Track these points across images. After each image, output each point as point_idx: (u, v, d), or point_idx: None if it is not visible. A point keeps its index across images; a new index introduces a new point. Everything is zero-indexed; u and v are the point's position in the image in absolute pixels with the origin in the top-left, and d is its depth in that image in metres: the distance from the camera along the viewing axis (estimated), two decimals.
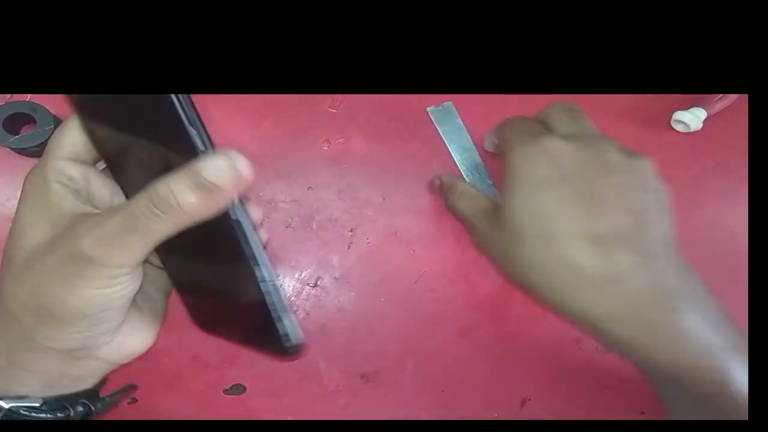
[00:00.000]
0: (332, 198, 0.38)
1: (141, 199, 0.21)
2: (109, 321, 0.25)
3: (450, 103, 0.39)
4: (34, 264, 0.22)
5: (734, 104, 0.40)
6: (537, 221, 0.27)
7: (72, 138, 0.25)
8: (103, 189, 0.26)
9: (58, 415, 0.26)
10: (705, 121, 0.39)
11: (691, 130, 0.40)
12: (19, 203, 0.24)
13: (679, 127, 0.40)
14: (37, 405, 0.25)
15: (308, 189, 0.38)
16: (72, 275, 0.22)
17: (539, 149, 0.28)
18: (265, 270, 0.23)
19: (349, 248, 0.37)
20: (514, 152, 0.29)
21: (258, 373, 0.36)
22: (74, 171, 0.25)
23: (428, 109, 0.39)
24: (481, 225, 0.32)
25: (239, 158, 0.21)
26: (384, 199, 0.38)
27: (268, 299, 0.23)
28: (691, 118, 0.39)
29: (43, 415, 0.25)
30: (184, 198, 0.20)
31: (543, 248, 0.27)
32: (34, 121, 0.34)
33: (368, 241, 0.37)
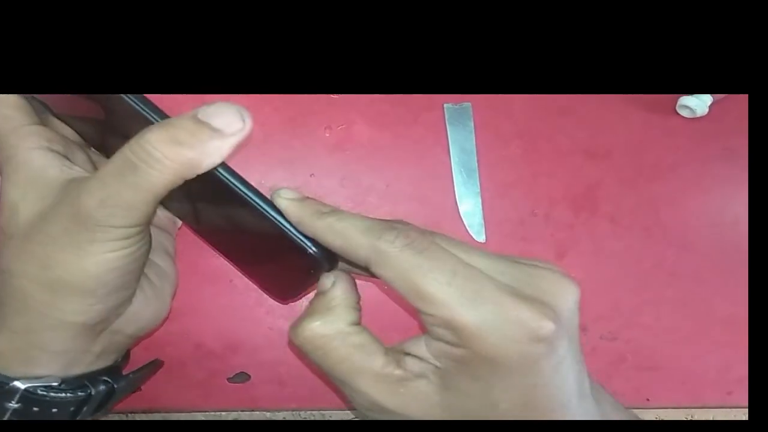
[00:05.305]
0: (335, 185, 0.37)
1: (129, 149, 0.20)
2: (127, 288, 0.24)
3: (469, 104, 0.39)
4: (36, 236, 0.22)
5: None
6: (522, 413, 0.21)
7: (19, 103, 0.23)
8: (79, 152, 0.25)
9: (79, 393, 0.25)
10: (711, 106, 0.39)
11: (697, 116, 0.39)
12: (2, 181, 0.23)
13: (684, 113, 0.40)
14: (55, 384, 0.24)
15: (310, 176, 0.37)
16: (83, 241, 0.21)
17: (537, 333, 0.20)
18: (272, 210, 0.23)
19: None
20: (488, 337, 0.20)
21: (262, 361, 0.35)
22: (48, 133, 0.23)
23: (445, 105, 0.39)
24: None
25: (239, 106, 0.20)
26: (387, 186, 0.37)
27: (288, 232, 0.23)
28: (697, 103, 0.39)
29: (62, 395, 0.24)
30: (181, 143, 0.20)
31: None
32: None
33: None
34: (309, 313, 0.23)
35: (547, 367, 0.20)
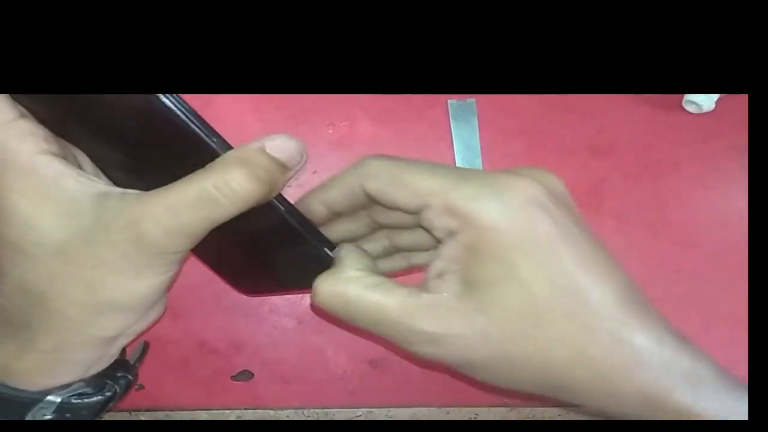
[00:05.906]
0: None
1: (211, 183, 0.20)
2: (162, 300, 0.25)
3: (473, 100, 0.38)
4: (80, 259, 0.20)
5: None
6: (564, 296, 0.20)
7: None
8: (68, 148, 0.23)
9: (107, 393, 0.25)
10: (717, 102, 0.39)
11: (704, 111, 0.39)
12: None
13: (691, 108, 0.40)
14: (84, 391, 0.24)
15: (313, 173, 0.37)
16: (142, 266, 0.21)
17: (531, 193, 0.20)
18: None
19: None
20: (485, 204, 0.20)
21: (265, 359, 0.35)
22: (41, 130, 0.21)
23: (448, 102, 0.38)
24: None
25: (298, 140, 0.22)
26: None
27: (297, 227, 0.24)
28: (704, 98, 0.38)
29: (95, 398, 0.25)
30: (260, 181, 0.20)
31: (578, 331, 0.20)
32: None
33: None
34: None
35: (563, 244, 0.20)
